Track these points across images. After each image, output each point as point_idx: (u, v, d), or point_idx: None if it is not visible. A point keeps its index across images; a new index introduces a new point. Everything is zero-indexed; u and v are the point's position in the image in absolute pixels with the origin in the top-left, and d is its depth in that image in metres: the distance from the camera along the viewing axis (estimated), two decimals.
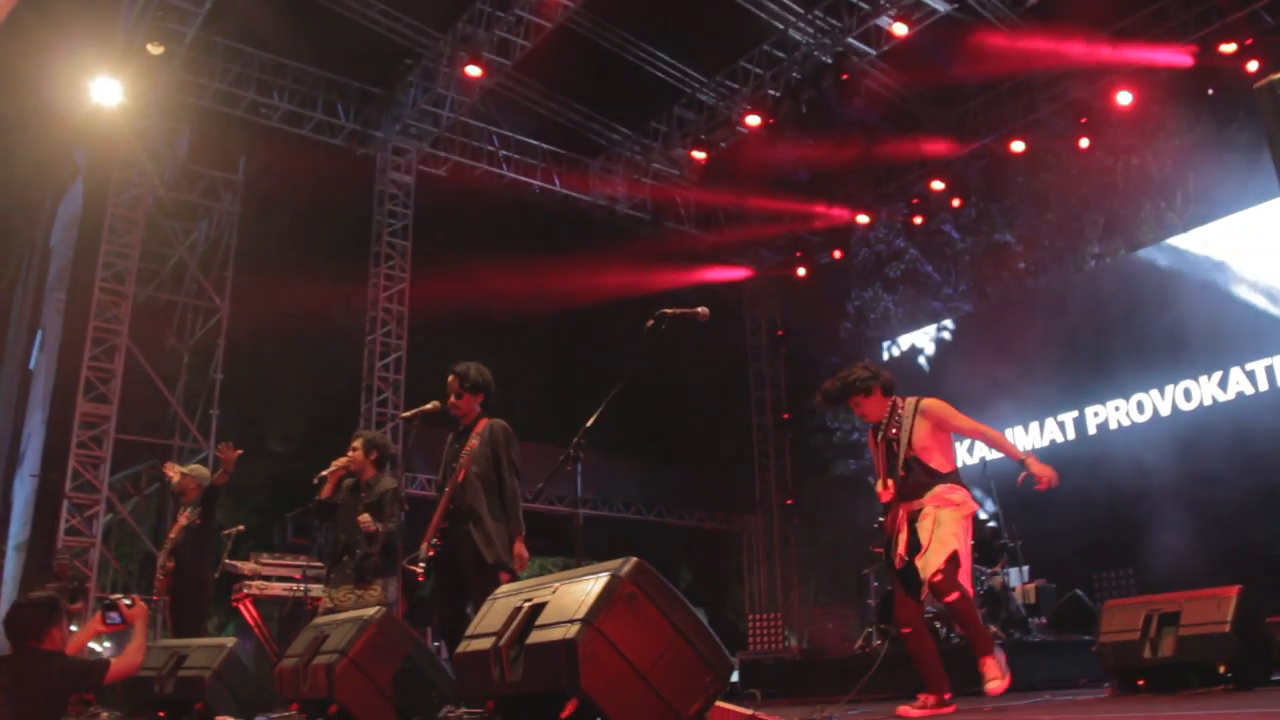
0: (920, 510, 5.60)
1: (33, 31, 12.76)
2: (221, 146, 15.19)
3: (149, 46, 13.07)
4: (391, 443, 8.51)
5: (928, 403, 5.76)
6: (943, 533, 5.48)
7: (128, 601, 5.60)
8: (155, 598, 9.16)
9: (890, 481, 5.71)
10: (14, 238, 19.42)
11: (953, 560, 5.40)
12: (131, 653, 5.44)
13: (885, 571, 6.66)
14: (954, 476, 5.69)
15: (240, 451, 8.49)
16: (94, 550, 12.80)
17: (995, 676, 5.36)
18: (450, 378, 6.19)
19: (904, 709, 5.44)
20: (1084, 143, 13.94)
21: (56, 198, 16.95)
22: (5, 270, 20.61)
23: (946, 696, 5.47)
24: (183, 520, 8.74)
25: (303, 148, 15.14)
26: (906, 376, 16.47)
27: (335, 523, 7.16)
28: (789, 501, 18.20)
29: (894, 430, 5.74)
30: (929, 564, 5.42)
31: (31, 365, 17.15)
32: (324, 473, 7.10)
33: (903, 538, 5.64)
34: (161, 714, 6.46)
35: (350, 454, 7.09)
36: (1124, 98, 13.45)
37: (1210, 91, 13.12)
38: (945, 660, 5.67)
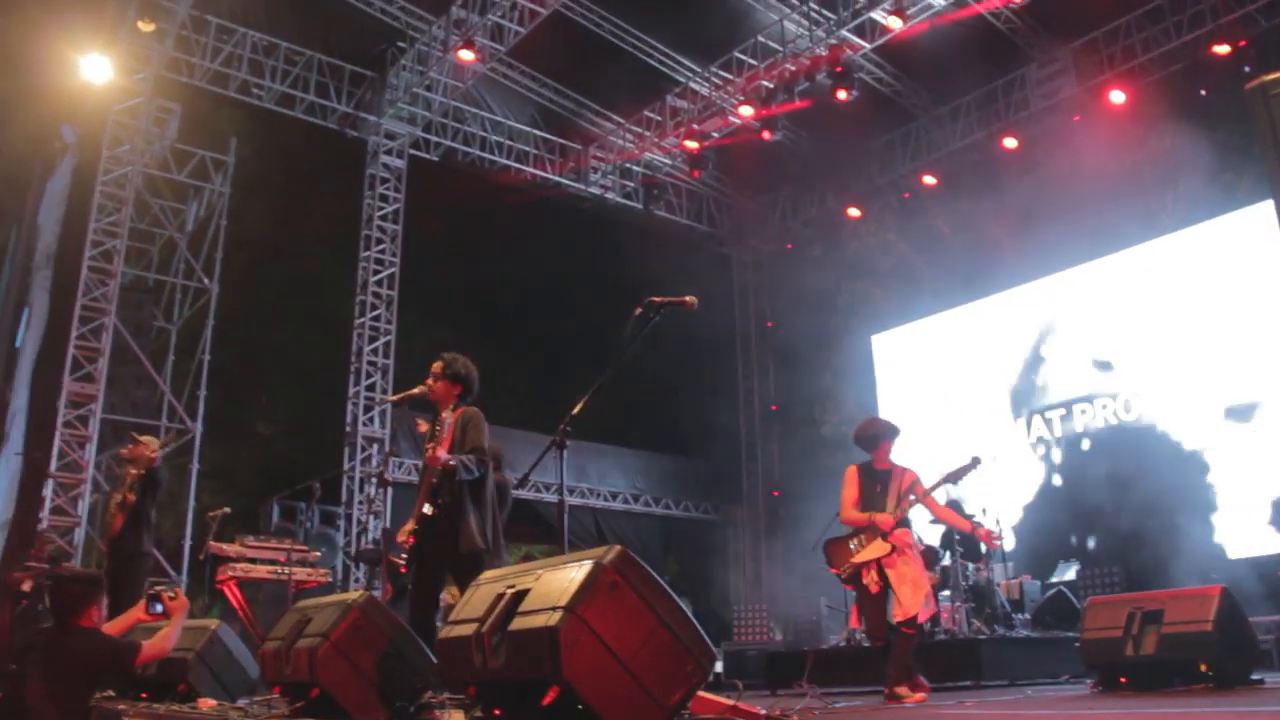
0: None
1: (23, 7, 12.68)
2: (212, 127, 15.13)
3: (139, 24, 13.02)
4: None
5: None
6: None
7: (171, 594, 5.70)
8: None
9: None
10: (1, 214, 19.32)
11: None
12: (164, 638, 5.52)
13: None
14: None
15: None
16: (78, 530, 12.74)
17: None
18: (436, 362, 6.21)
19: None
20: (1075, 140, 13.96)
21: (45, 174, 16.85)
22: None
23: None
24: (117, 498, 8.58)
25: (294, 129, 15.08)
26: (894, 372, 16.55)
27: None
28: (776, 493, 18.20)
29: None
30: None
31: (18, 343, 17.05)
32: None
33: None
34: (144, 695, 6.45)
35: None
36: (1117, 96, 13.47)
37: (1203, 93, 13.13)
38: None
